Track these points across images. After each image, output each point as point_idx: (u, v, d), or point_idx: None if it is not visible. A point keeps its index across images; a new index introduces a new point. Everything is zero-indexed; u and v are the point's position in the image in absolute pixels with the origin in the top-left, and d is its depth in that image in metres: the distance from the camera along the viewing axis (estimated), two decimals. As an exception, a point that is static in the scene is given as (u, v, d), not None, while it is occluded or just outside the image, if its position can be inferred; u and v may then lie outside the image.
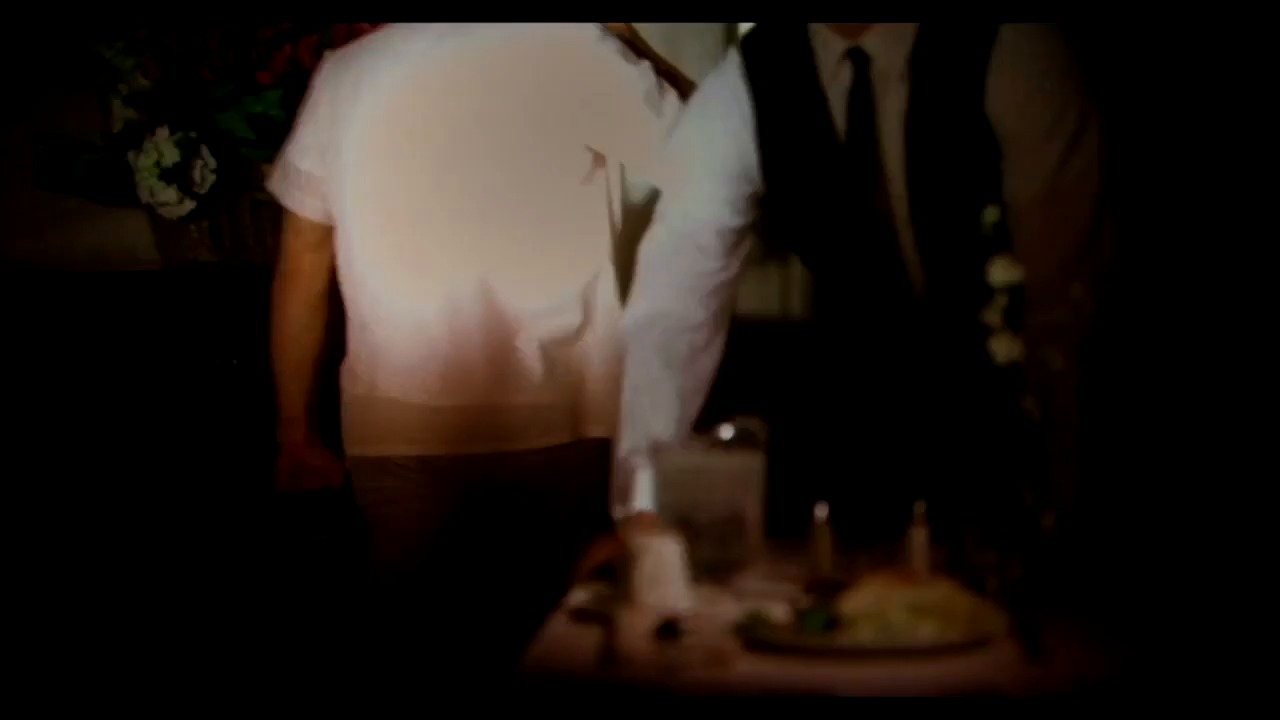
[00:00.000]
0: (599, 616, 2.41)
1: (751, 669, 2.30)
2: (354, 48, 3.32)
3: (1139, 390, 3.06)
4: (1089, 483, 2.69)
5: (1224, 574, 2.62)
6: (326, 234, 3.31)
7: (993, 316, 2.31)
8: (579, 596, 2.58)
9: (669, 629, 2.31)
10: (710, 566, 2.57)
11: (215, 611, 3.66)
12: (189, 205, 3.69)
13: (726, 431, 2.59)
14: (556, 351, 3.23)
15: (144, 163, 3.66)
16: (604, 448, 3.06)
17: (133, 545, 3.62)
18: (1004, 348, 2.31)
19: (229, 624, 3.67)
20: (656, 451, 2.58)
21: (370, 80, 3.22)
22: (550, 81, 3.16)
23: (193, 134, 3.67)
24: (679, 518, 2.54)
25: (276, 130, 3.69)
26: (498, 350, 3.19)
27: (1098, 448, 2.78)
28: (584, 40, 3.18)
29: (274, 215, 3.75)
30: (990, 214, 2.32)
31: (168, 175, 3.66)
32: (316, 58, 3.69)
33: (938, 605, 2.38)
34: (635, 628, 2.32)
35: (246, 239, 3.77)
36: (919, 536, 2.56)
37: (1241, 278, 3.36)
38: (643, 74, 3.20)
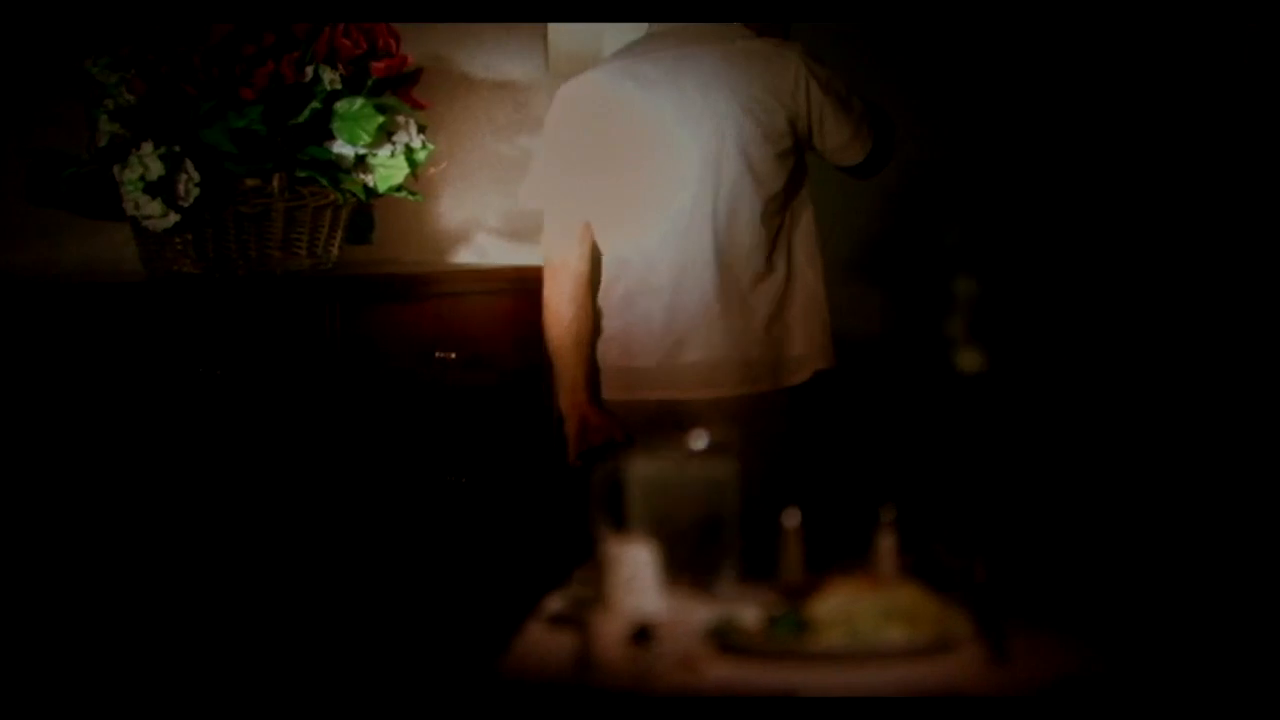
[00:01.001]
0: (574, 622, 2.45)
1: (724, 673, 2.34)
2: (590, 79, 3.88)
3: (1104, 399, 3.10)
4: (1055, 491, 2.73)
5: (1189, 577, 2.66)
6: (586, 232, 3.89)
7: (956, 329, 2.36)
8: (555, 603, 2.62)
9: (643, 634, 2.36)
10: (686, 573, 2.61)
11: (202, 619, 3.69)
12: (173, 218, 3.70)
13: (700, 441, 2.63)
14: (769, 308, 3.82)
15: (129, 177, 3.67)
16: (802, 392, 3.82)
17: (109, 552, 3.63)
18: (968, 360, 2.36)
19: (210, 632, 3.69)
20: (631, 461, 2.62)
21: (618, 100, 3.81)
22: (768, 83, 3.79)
23: (177, 148, 3.68)
24: (654, 526, 2.58)
25: (259, 145, 3.72)
26: (723, 312, 3.80)
27: (1069, 456, 2.83)
28: (791, 54, 3.82)
29: (257, 228, 3.79)
30: (952, 234, 2.37)
31: (152, 189, 3.67)
32: (298, 73, 3.72)
33: (905, 610, 2.42)
34: (610, 633, 2.37)
35: (230, 251, 3.79)
36: (887, 542, 2.60)
37: (1202, 289, 3.42)
38: (834, 79, 3.84)
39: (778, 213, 3.84)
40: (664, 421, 3.78)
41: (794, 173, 3.86)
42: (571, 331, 3.92)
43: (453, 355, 3.89)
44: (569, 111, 3.88)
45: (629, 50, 3.92)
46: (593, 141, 3.84)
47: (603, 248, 3.91)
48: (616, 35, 4.97)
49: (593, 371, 3.94)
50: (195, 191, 3.70)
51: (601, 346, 3.92)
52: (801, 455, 3.88)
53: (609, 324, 3.91)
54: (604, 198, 3.86)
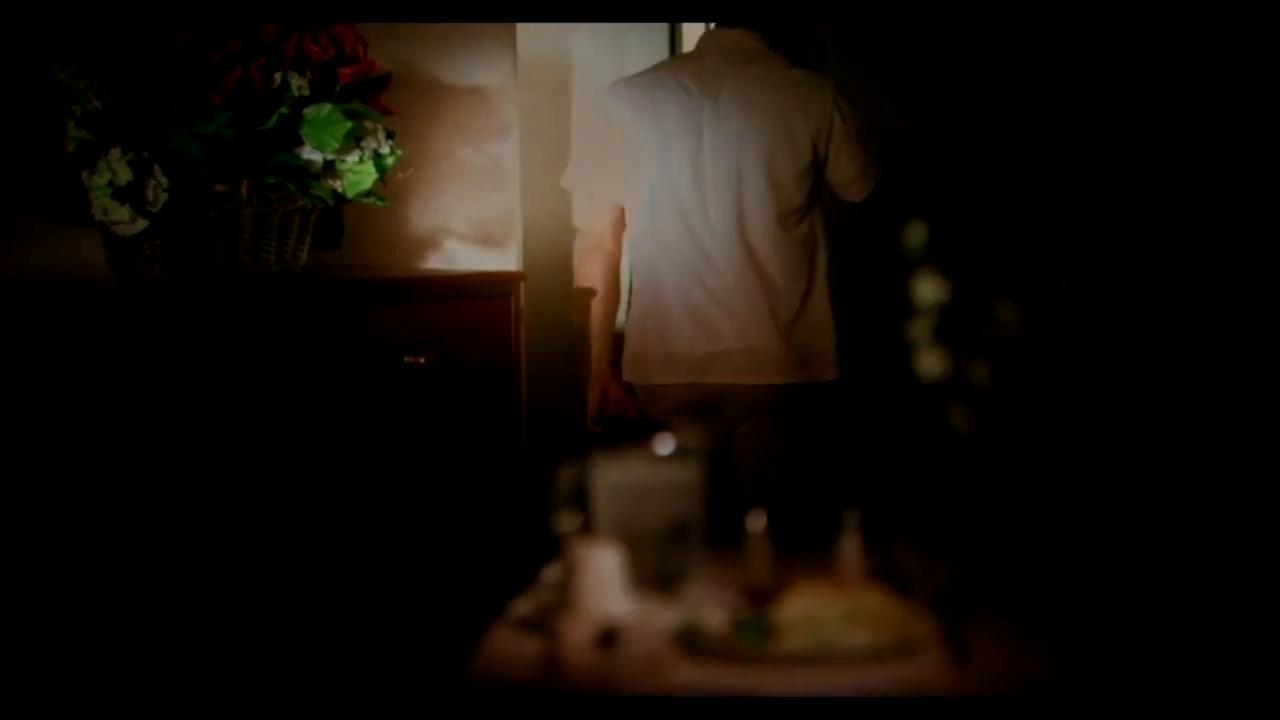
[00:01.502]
0: (541, 625, 2.47)
1: (690, 676, 2.35)
2: (640, 80, 4.30)
3: (1072, 399, 3.11)
4: (1020, 492, 2.75)
5: (1153, 580, 2.68)
6: (622, 216, 4.29)
7: (920, 333, 2.37)
8: (522, 607, 2.63)
9: (609, 637, 2.37)
10: (652, 576, 2.63)
11: (167, 627, 3.69)
12: (141, 224, 3.70)
13: (666, 445, 2.64)
14: (795, 307, 4.21)
15: (97, 182, 3.67)
16: (825, 389, 4.24)
17: (76, 555, 3.63)
18: (930, 364, 2.38)
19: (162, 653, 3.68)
20: (597, 466, 2.63)
21: (662, 103, 4.22)
22: (799, 107, 4.21)
23: (145, 154, 3.68)
24: (621, 530, 2.60)
25: (228, 150, 3.72)
26: (753, 306, 4.19)
27: (1030, 456, 2.84)
28: (825, 86, 4.24)
29: (225, 233, 3.79)
30: (917, 234, 2.38)
31: (121, 195, 3.67)
32: (266, 79, 3.73)
33: (869, 613, 2.44)
34: (576, 636, 2.38)
35: (199, 256, 3.79)
36: (851, 545, 2.61)
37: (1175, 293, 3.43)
38: (858, 118, 4.27)
39: (798, 223, 4.22)
40: (689, 407, 4.22)
41: (813, 189, 4.25)
42: (602, 309, 4.33)
43: (422, 360, 3.90)
44: (615, 105, 4.27)
45: (675, 63, 4.42)
46: (634, 136, 4.22)
47: (638, 238, 4.29)
48: (586, 43, 4.99)
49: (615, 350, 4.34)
50: (164, 197, 3.70)
51: (634, 333, 4.29)
52: (810, 450, 4.25)
53: (642, 313, 4.28)
54: (641, 190, 4.25)
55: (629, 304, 4.38)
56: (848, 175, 4.30)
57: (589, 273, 4.34)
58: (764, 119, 4.20)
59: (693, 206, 4.22)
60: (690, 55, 4.39)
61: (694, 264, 4.22)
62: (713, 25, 4.48)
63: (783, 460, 4.25)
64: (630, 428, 4.26)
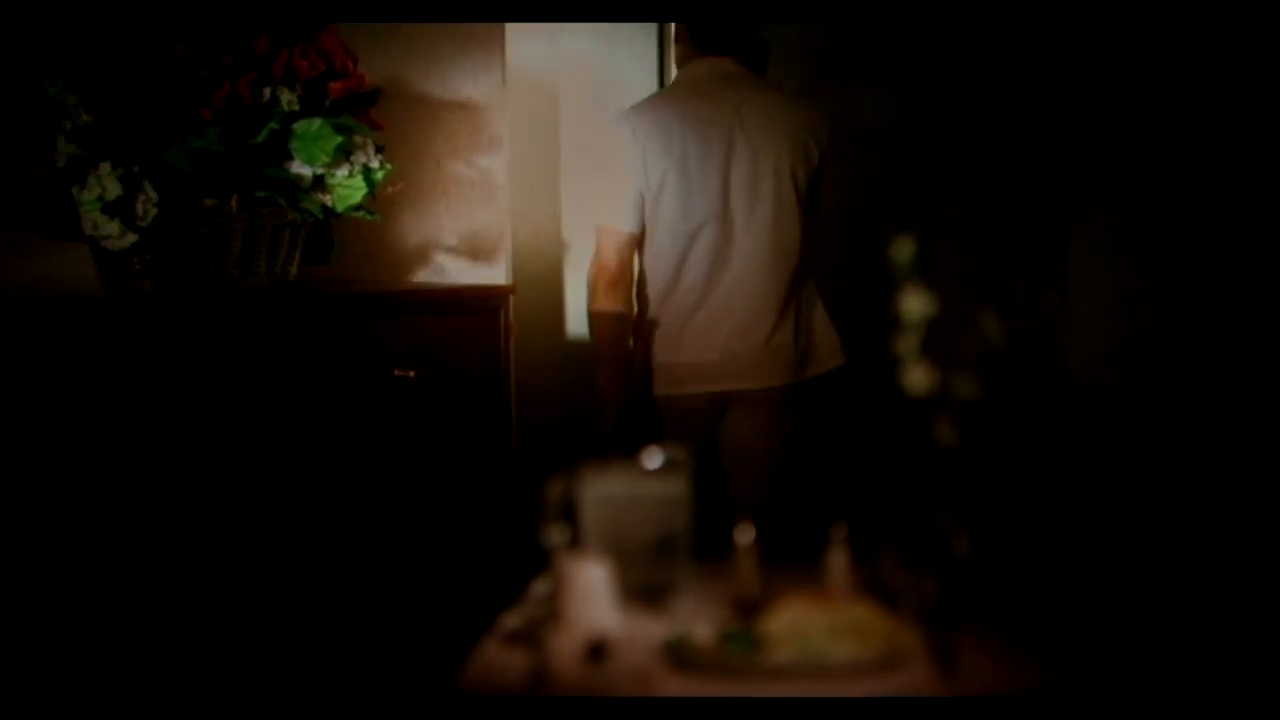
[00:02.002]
0: (530, 638, 2.47)
1: (678, 689, 2.36)
2: (650, 106, 4.45)
3: (1059, 414, 3.13)
4: (1005, 504, 2.75)
5: (1140, 590, 2.69)
6: (634, 241, 4.41)
7: (906, 348, 2.38)
8: (511, 620, 2.63)
9: (598, 651, 2.38)
10: (640, 590, 2.63)
11: (155, 642, 3.69)
12: (131, 238, 3.71)
13: (653, 459, 2.65)
14: (803, 307, 4.47)
15: (87, 197, 3.68)
16: (820, 383, 4.48)
17: (64, 569, 3.63)
18: (917, 378, 2.39)
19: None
20: (585, 479, 2.64)
21: (683, 125, 4.38)
22: (810, 127, 4.49)
23: (135, 169, 3.69)
24: (608, 543, 2.60)
25: (218, 165, 3.73)
26: (774, 310, 4.42)
27: (1016, 471, 2.85)
28: (823, 111, 4.55)
29: (215, 247, 3.80)
30: (904, 249, 2.39)
31: (110, 209, 3.68)
32: (256, 94, 3.73)
33: (856, 626, 2.45)
34: (565, 649, 2.39)
35: (188, 270, 3.80)
36: (838, 559, 2.62)
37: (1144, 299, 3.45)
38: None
39: (804, 231, 4.46)
40: (708, 411, 4.44)
41: (808, 189, 4.50)
42: (619, 327, 4.42)
43: (411, 373, 3.91)
44: (626, 133, 4.39)
45: (679, 90, 4.51)
46: (647, 160, 4.37)
47: (652, 257, 4.43)
48: (575, 57, 5.00)
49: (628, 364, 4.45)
50: (153, 211, 3.70)
51: (657, 345, 4.44)
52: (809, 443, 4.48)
53: (665, 326, 4.43)
54: (657, 211, 4.39)
55: (640, 319, 4.46)
56: (823, 184, 4.57)
57: (614, 306, 4.43)
58: (788, 138, 4.45)
59: (720, 223, 4.40)
60: (688, 84, 4.50)
61: (719, 276, 4.41)
62: (688, 59, 4.57)
63: (783, 448, 4.46)
64: (646, 432, 4.39)
